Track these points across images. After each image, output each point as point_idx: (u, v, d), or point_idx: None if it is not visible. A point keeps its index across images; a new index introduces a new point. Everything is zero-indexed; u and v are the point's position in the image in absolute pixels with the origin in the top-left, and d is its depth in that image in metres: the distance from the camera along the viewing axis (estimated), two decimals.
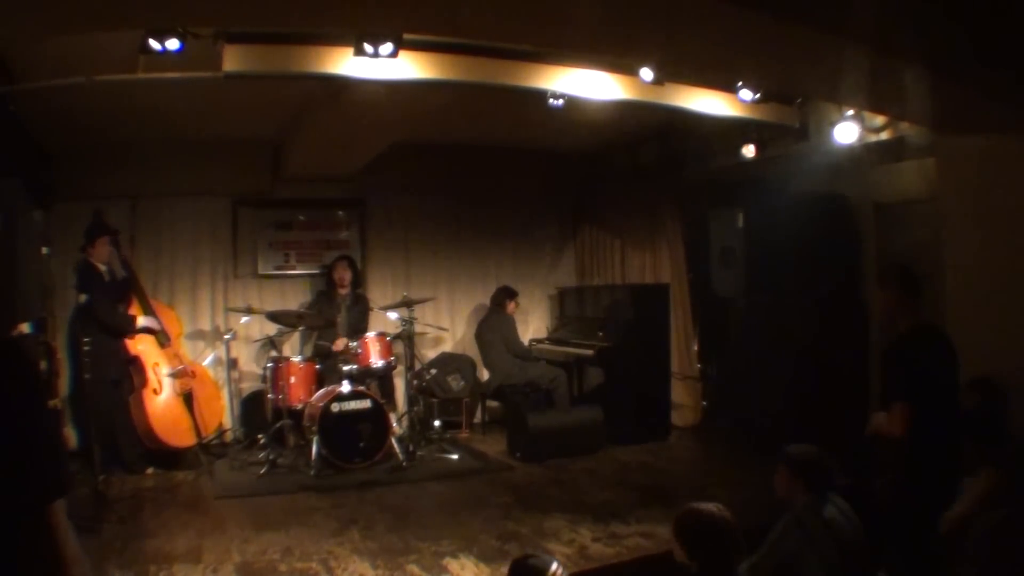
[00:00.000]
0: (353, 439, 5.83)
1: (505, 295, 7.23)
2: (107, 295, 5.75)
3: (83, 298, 5.76)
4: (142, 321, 5.88)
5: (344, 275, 6.91)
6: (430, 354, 7.64)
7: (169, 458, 5.94)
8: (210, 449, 6.32)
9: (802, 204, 6.39)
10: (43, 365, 5.57)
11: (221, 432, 6.67)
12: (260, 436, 6.26)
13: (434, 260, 7.92)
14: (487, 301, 7.44)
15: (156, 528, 4.59)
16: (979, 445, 3.45)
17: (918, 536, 3.18)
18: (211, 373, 6.63)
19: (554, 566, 2.29)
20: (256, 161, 7.20)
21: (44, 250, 6.21)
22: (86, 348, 5.23)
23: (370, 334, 6.34)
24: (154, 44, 3.55)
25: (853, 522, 3.03)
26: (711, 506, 2.61)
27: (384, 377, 6.87)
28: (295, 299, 7.36)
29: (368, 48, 3.75)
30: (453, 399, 7.35)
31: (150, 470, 5.82)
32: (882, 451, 3.45)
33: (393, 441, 6.02)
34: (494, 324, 7.04)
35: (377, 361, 6.19)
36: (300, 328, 6.53)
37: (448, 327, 7.91)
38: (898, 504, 3.27)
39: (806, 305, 6.03)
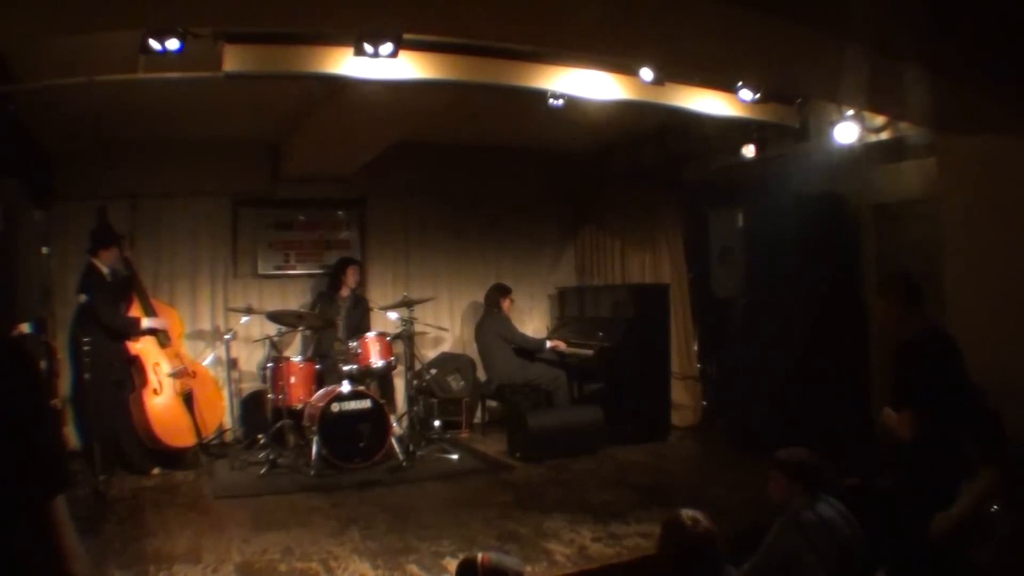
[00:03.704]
0: (353, 439, 5.83)
1: (498, 293, 7.19)
2: (109, 297, 5.74)
3: (83, 298, 5.76)
4: (146, 323, 5.86)
5: (356, 279, 6.94)
6: (430, 354, 7.64)
7: (169, 458, 5.93)
8: (210, 449, 6.32)
9: (802, 204, 6.39)
10: (43, 365, 5.58)
11: (221, 432, 6.66)
12: (260, 436, 6.27)
13: (434, 260, 7.92)
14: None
15: (156, 528, 4.59)
16: (979, 446, 3.45)
17: (921, 535, 3.18)
18: (211, 373, 6.63)
19: (481, 555, 2.37)
20: (256, 161, 7.20)
21: (44, 250, 6.23)
22: (86, 348, 5.23)
23: (370, 334, 6.34)
24: (154, 44, 3.55)
25: (851, 522, 3.03)
26: (690, 514, 2.56)
27: (384, 377, 6.87)
28: (295, 299, 7.36)
29: (368, 48, 3.75)
30: (453, 399, 7.35)
31: (156, 470, 5.81)
32: (888, 449, 3.46)
33: (393, 441, 6.02)
34: (491, 326, 7.03)
35: (377, 361, 6.19)
36: (300, 328, 6.53)
37: (448, 327, 7.91)
38: (904, 503, 3.27)
39: (806, 305, 6.03)
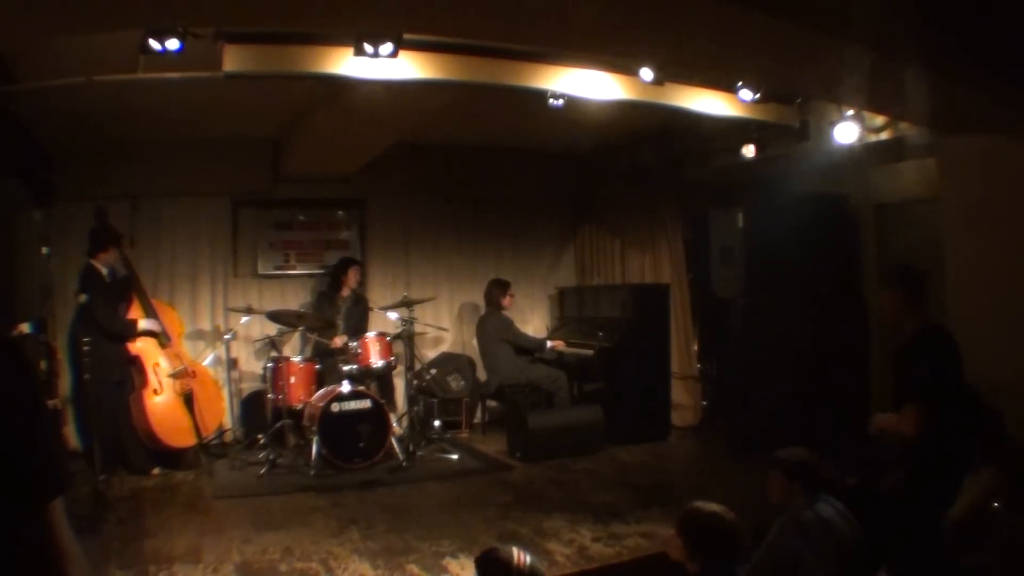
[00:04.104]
0: (353, 439, 5.83)
1: (498, 290, 7.12)
2: (107, 298, 5.73)
3: (82, 298, 5.76)
4: (143, 324, 5.86)
5: (357, 279, 6.95)
6: (430, 354, 7.64)
7: (169, 458, 5.93)
8: (210, 449, 6.32)
9: (802, 204, 6.39)
10: (43, 365, 5.58)
11: (221, 432, 6.66)
12: (260, 436, 6.26)
13: (434, 260, 7.92)
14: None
15: (156, 528, 4.59)
16: (980, 445, 3.45)
17: (922, 535, 3.18)
18: (211, 373, 6.63)
19: (516, 553, 2.27)
20: (256, 161, 7.20)
21: (44, 250, 6.23)
22: (86, 349, 5.23)
23: (370, 334, 6.34)
24: (154, 44, 3.55)
25: (850, 522, 3.03)
26: (716, 507, 2.58)
27: (384, 377, 6.86)
28: (295, 299, 7.37)
29: (368, 48, 3.75)
30: (453, 399, 7.35)
31: (156, 470, 5.81)
32: (887, 450, 3.45)
33: (393, 441, 6.01)
34: (493, 326, 7.02)
35: (377, 361, 6.19)
36: (300, 328, 6.53)
37: (448, 327, 7.92)
38: (905, 502, 3.27)
39: (806, 305, 6.03)
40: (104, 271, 5.79)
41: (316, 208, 7.61)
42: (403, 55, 3.91)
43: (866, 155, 5.70)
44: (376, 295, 7.51)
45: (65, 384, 6.05)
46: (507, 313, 7.17)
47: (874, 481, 3.92)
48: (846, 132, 5.22)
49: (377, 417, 5.94)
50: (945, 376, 3.22)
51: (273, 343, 6.36)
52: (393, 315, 6.74)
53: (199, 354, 6.82)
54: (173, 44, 3.55)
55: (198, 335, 7.01)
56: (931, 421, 3.13)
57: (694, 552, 2.52)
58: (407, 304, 6.49)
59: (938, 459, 3.17)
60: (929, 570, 3.18)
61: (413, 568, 3.92)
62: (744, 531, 2.52)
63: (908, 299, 3.33)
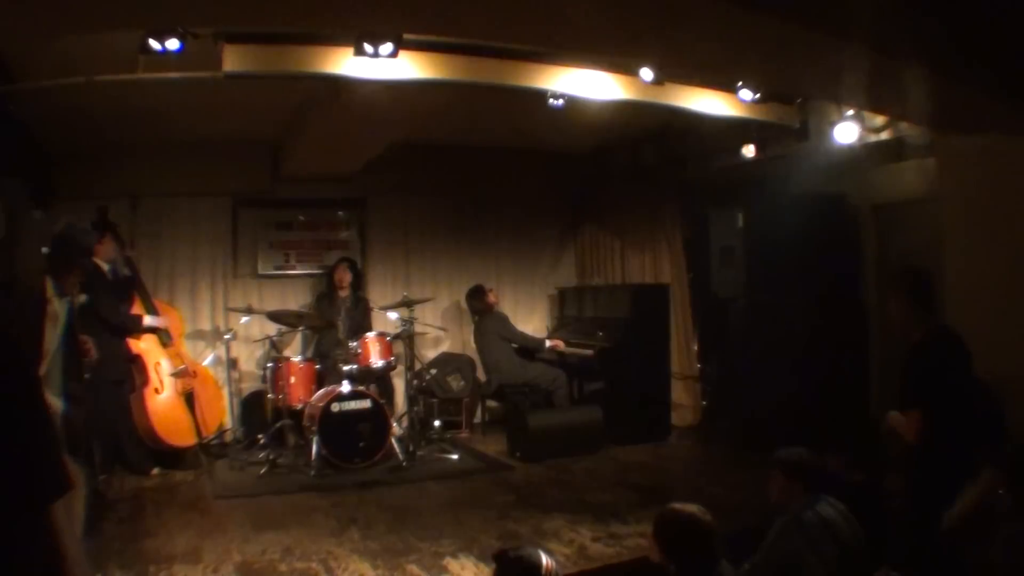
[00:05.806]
0: (353, 439, 5.83)
1: (479, 298, 7.07)
2: (111, 294, 5.74)
3: (83, 298, 5.74)
4: (149, 321, 5.87)
5: (344, 277, 6.93)
6: (430, 354, 7.64)
7: (170, 458, 5.94)
8: (210, 449, 6.32)
9: (802, 204, 6.39)
10: None
11: (221, 432, 6.66)
12: (260, 436, 6.27)
13: (434, 260, 7.92)
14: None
15: (156, 528, 4.59)
16: (980, 446, 3.45)
17: (927, 534, 3.18)
18: (212, 373, 6.63)
19: (545, 559, 2.27)
20: (256, 161, 7.21)
21: (44, 250, 6.22)
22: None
23: (370, 334, 6.34)
24: (154, 44, 3.55)
25: (851, 522, 3.03)
26: (692, 507, 2.60)
27: (384, 377, 6.87)
28: (295, 299, 7.37)
29: (368, 48, 3.76)
30: (453, 399, 7.35)
31: (155, 470, 5.81)
32: (895, 449, 3.45)
33: (393, 441, 6.02)
34: (491, 326, 7.01)
35: (377, 361, 6.19)
36: (300, 328, 6.53)
37: (448, 327, 7.91)
38: (910, 501, 3.27)
39: (806, 305, 6.03)
40: (105, 267, 5.79)
41: (316, 208, 7.61)
42: (403, 55, 3.92)
43: (866, 155, 5.69)
44: (376, 295, 7.51)
45: None
46: (502, 309, 7.17)
47: (879, 479, 3.92)
48: (846, 132, 5.22)
49: (377, 417, 5.94)
50: (947, 380, 3.20)
51: (273, 343, 6.36)
52: (393, 315, 6.74)
53: (199, 354, 6.82)
54: (173, 44, 3.55)
55: (198, 335, 7.01)
56: (931, 425, 3.13)
57: (670, 553, 2.55)
58: (407, 304, 6.48)
59: (938, 462, 3.16)
60: (934, 570, 3.18)
61: (413, 568, 3.92)
62: (718, 529, 2.55)
63: (914, 303, 3.30)
